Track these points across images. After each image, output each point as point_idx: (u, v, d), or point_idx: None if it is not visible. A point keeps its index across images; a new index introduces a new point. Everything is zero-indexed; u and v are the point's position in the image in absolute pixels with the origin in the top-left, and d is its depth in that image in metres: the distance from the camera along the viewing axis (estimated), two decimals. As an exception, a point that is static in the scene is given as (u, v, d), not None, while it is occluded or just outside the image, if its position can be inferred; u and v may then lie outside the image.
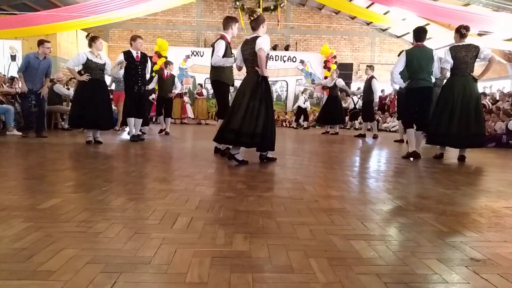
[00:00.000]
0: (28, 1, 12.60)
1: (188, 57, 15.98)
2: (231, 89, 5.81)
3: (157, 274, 1.46)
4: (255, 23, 4.38)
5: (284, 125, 15.74)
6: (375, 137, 9.75)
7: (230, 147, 4.53)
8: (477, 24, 10.11)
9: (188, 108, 15.29)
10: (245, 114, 4.21)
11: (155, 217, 2.19)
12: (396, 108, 9.48)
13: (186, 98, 15.32)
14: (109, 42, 17.42)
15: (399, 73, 5.48)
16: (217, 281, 1.41)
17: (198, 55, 15.97)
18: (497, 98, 11.94)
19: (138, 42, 6.67)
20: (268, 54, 4.38)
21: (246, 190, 3.02)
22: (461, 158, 5.28)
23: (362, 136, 10.02)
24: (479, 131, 5.21)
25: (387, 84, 14.01)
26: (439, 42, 14.11)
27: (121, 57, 6.52)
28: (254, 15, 4.37)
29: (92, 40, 6.35)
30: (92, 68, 6.23)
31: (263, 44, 4.19)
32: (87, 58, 6.18)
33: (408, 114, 5.55)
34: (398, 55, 7.78)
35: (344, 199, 2.80)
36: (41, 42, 7.01)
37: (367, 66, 10.02)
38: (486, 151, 6.23)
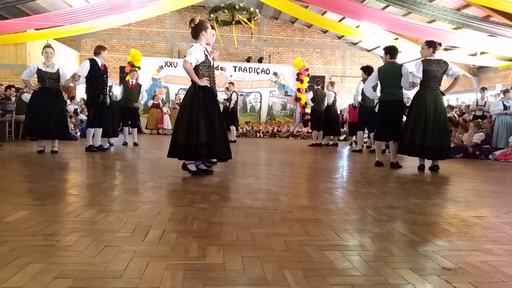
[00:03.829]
0: (-4, 8, 12.23)
1: (161, 67, 15.84)
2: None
3: (128, 289, 1.41)
4: (194, 32, 4.21)
5: (258, 136, 15.77)
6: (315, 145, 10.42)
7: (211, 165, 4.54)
8: (443, 39, 10.51)
9: (166, 118, 15.07)
10: (187, 127, 4.13)
11: (126, 229, 2.13)
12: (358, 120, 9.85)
13: (165, 109, 15.11)
14: (81, 52, 17.09)
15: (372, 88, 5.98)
16: (191, 295, 1.37)
17: (172, 66, 15.85)
18: (463, 110, 12.36)
19: (106, 53, 6.77)
20: (207, 61, 4.21)
21: (220, 201, 2.99)
22: (434, 168, 5.40)
23: (317, 145, 10.43)
24: (448, 143, 5.50)
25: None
26: (408, 56, 14.54)
27: (86, 64, 6.45)
28: (193, 23, 4.19)
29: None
30: (43, 78, 6.26)
31: (188, 55, 4.07)
32: (38, 68, 6.24)
33: (379, 126, 5.73)
34: (364, 70, 8.35)
35: (318, 209, 2.81)
36: None
37: (316, 80, 10.77)
38: (454, 162, 6.42)
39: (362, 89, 8.24)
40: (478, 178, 5.20)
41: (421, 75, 5.30)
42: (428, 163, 5.54)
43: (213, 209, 2.70)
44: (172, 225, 2.26)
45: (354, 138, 10.25)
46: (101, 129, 6.89)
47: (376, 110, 5.88)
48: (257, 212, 2.64)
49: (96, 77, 6.53)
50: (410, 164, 5.97)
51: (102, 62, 6.66)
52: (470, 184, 4.51)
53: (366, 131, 9.37)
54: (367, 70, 8.42)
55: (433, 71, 5.28)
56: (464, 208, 3.05)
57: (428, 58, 5.39)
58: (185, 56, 4.28)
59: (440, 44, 5.44)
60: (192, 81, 4.22)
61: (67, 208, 2.60)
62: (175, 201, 2.96)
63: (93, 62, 6.52)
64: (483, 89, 10.80)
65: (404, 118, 5.73)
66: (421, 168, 5.52)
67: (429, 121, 5.27)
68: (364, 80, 8.41)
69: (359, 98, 8.52)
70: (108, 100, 6.87)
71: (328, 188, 3.85)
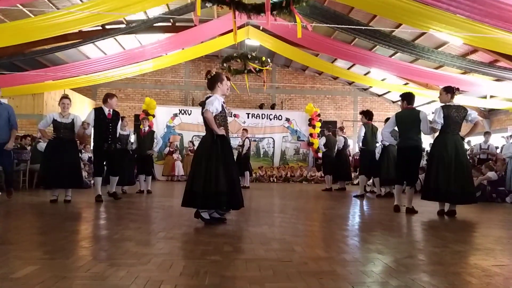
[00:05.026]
0: (16, 60, 12.69)
1: (175, 115, 16.14)
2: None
3: None
4: (210, 83, 4.46)
5: (271, 180, 15.71)
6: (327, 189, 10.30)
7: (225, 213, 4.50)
8: (452, 84, 10.60)
9: (178, 165, 15.14)
10: (205, 176, 4.16)
11: (137, 285, 2.09)
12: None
13: (175, 155, 15.24)
14: (97, 101, 17.56)
15: (390, 133, 6.07)
16: None
17: (186, 114, 16.15)
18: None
19: (114, 100, 6.74)
20: (223, 111, 4.39)
21: (232, 252, 2.93)
22: (451, 213, 5.27)
23: (328, 190, 10.35)
24: (472, 188, 5.46)
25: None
26: (418, 100, 14.59)
27: (91, 114, 6.53)
28: (209, 75, 4.46)
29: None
30: (58, 128, 6.38)
31: (208, 105, 4.23)
32: (53, 118, 6.38)
33: (398, 171, 5.90)
34: (364, 114, 8.50)
35: (334, 260, 2.72)
36: None
37: (327, 126, 11.26)
38: (471, 206, 6.22)
39: (364, 133, 8.32)
40: (496, 223, 5.05)
41: (442, 121, 5.29)
42: (446, 207, 5.41)
43: (226, 262, 2.63)
44: (184, 280, 2.21)
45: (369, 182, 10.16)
46: (117, 177, 6.94)
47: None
48: (271, 265, 2.56)
49: (101, 126, 6.54)
50: (425, 209, 5.83)
51: (109, 110, 6.61)
52: (489, 230, 4.37)
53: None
54: (367, 114, 8.55)
55: (453, 117, 5.29)
56: (484, 256, 2.93)
57: (447, 104, 5.40)
58: (200, 106, 4.45)
59: (458, 89, 5.52)
60: (209, 130, 4.32)
61: (77, 262, 2.56)
62: (187, 253, 2.91)
63: (98, 111, 6.58)
64: (487, 134, 10.92)
65: (423, 163, 5.74)
66: (440, 213, 5.40)
67: (451, 166, 5.21)
68: (364, 125, 8.47)
69: (360, 143, 8.50)
70: (113, 147, 6.72)
71: (343, 236, 3.75)
